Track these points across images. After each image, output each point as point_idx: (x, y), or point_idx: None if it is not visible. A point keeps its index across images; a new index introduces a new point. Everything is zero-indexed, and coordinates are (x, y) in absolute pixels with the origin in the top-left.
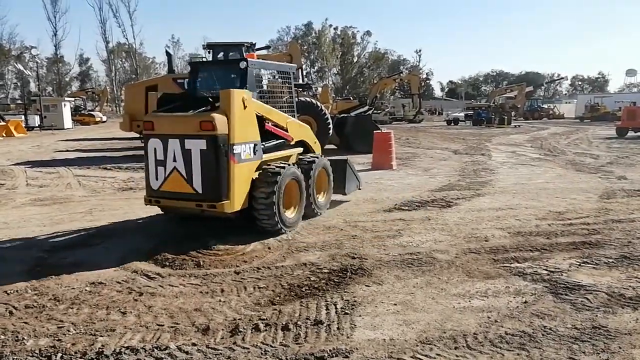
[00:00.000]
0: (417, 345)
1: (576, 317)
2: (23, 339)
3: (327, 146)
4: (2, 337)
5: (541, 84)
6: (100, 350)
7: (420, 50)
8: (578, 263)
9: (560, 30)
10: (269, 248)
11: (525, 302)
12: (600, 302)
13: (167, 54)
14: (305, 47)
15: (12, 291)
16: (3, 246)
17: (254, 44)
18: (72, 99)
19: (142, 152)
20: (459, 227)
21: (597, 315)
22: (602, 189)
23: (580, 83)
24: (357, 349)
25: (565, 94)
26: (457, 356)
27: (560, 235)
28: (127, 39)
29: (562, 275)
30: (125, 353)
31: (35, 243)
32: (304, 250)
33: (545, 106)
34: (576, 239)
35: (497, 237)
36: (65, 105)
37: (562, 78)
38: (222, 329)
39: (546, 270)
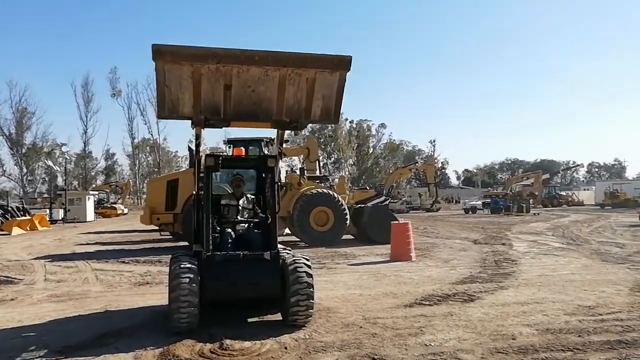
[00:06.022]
0: None
1: None
2: None
3: (345, 236)
4: None
5: (557, 171)
6: None
7: (434, 141)
8: None
9: (572, 117)
10: (285, 348)
11: None
12: None
13: (189, 148)
14: (322, 139)
15: None
16: (15, 346)
17: (273, 139)
18: (96, 192)
19: (159, 245)
20: (483, 324)
21: None
22: (632, 281)
23: (597, 170)
24: None
25: (583, 180)
26: None
27: (593, 333)
28: (152, 134)
29: None
30: None
31: (47, 343)
32: (321, 350)
33: (564, 193)
34: (610, 337)
35: (525, 335)
36: (89, 198)
37: (578, 165)
38: None
39: None
